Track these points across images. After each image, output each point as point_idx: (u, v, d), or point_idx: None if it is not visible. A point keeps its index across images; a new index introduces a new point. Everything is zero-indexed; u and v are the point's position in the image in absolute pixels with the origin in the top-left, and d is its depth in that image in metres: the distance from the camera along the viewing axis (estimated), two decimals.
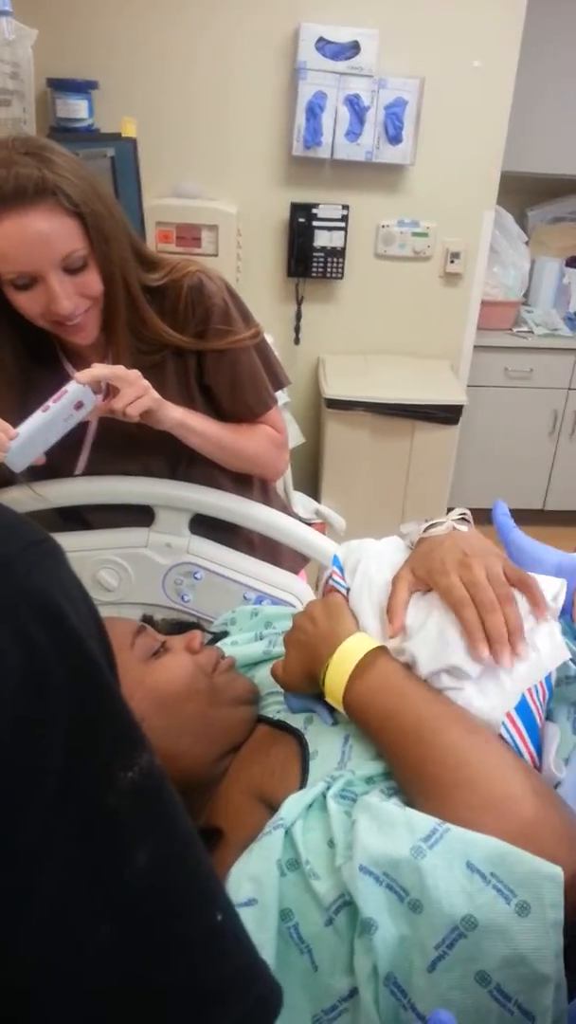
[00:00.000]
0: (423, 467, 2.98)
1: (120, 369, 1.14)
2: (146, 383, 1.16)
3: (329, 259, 2.94)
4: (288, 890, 0.64)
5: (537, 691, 0.76)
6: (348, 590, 0.89)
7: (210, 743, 0.83)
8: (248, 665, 1.00)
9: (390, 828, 0.62)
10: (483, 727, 0.71)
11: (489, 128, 2.85)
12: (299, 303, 3.03)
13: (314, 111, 2.69)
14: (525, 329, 3.32)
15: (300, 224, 2.87)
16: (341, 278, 2.99)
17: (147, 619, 1.04)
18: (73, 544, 1.37)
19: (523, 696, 0.74)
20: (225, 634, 1.09)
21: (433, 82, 2.73)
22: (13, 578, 0.41)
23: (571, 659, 0.81)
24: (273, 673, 0.86)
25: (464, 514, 0.87)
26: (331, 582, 0.92)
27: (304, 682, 0.82)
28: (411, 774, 0.70)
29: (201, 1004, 0.44)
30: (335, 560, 0.94)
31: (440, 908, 0.57)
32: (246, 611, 1.13)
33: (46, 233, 1.04)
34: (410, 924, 0.58)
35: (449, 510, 0.89)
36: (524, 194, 3.44)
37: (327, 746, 0.78)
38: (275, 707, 0.89)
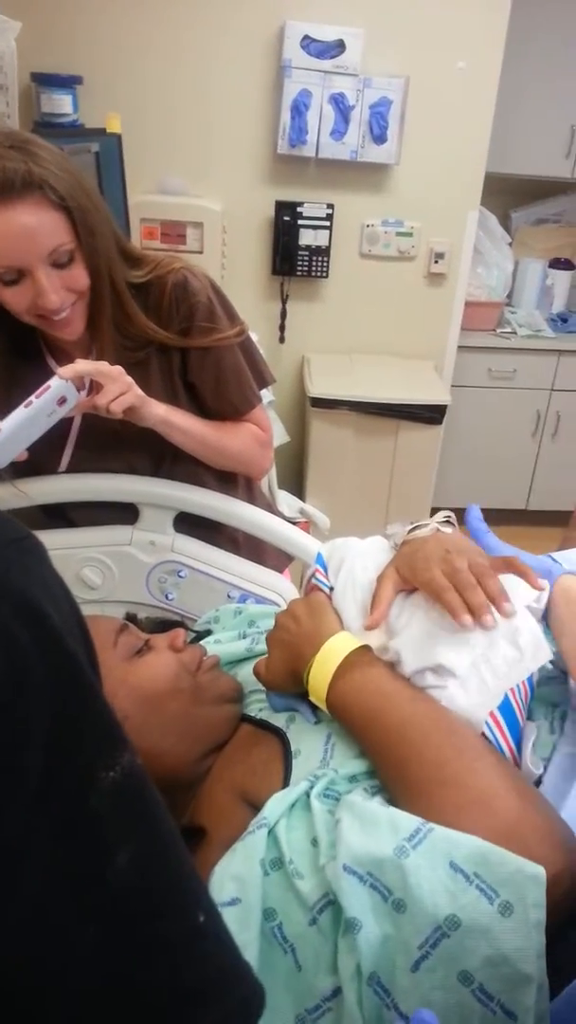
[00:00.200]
0: (407, 466, 2.99)
1: (103, 365, 1.14)
2: (129, 379, 1.16)
3: (314, 258, 2.94)
4: (271, 890, 0.64)
5: (519, 691, 0.76)
6: (331, 589, 0.89)
7: (194, 742, 0.83)
8: (231, 663, 0.99)
9: (373, 827, 0.62)
10: (466, 726, 0.72)
11: (473, 129, 2.87)
12: (284, 301, 3.03)
13: (299, 109, 2.69)
14: (508, 330, 3.34)
15: (285, 222, 2.87)
16: (326, 277, 2.99)
17: (131, 617, 1.04)
18: (57, 542, 1.36)
19: (506, 695, 0.74)
20: (209, 632, 1.08)
21: (418, 82, 2.73)
22: None
23: (550, 660, 0.81)
24: (256, 672, 0.86)
25: (448, 516, 0.88)
26: (314, 580, 0.92)
27: (287, 681, 0.82)
28: (394, 773, 0.70)
29: (183, 1004, 0.44)
30: (318, 558, 0.94)
31: (423, 908, 0.57)
32: (230, 609, 1.12)
33: (33, 227, 1.04)
34: (393, 924, 0.58)
35: (433, 510, 0.89)
36: (508, 195, 3.46)
37: (309, 745, 0.78)
38: (257, 705, 0.89)
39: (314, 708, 0.81)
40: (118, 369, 1.15)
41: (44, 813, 0.39)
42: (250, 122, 2.78)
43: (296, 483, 3.15)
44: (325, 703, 0.77)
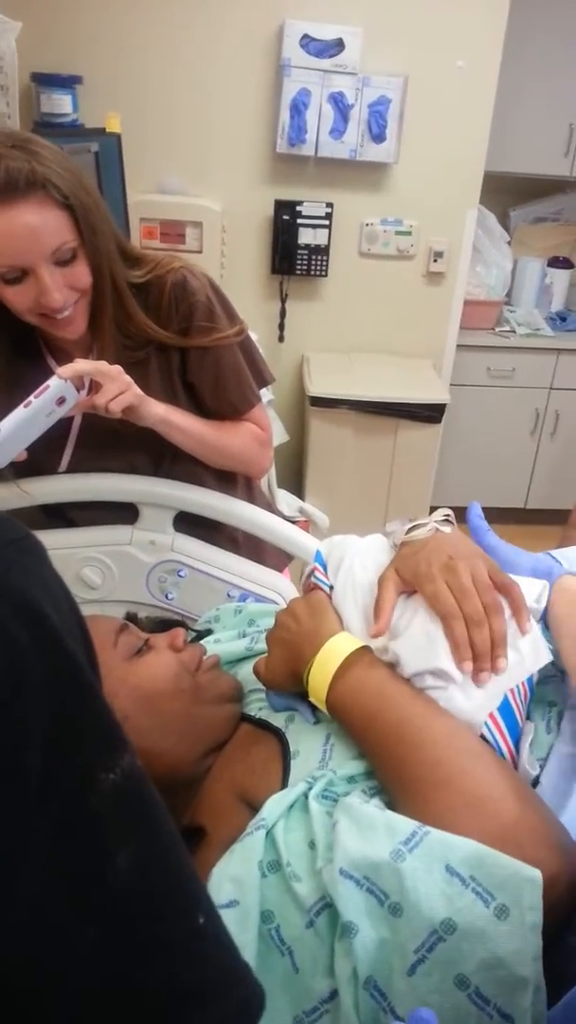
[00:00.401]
0: (406, 465, 2.99)
1: (102, 364, 1.14)
2: (128, 379, 1.16)
3: (313, 257, 2.94)
4: (269, 892, 0.64)
5: (519, 692, 0.76)
6: (331, 588, 0.89)
7: (194, 741, 0.83)
8: (231, 662, 0.99)
9: (370, 831, 0.62)
10: (465, 728, 0.72)
11: (472, 127, 2.87)
12: (283, 301, 3.03)
13: (298, 108, 2.69)
14: (507, 329, 3.34)
15: (284, 221, 2.87)
16: (325, 276, 2.99)
17: (131, 617, 1.04)
18: (57, 542, 1.37)
19: (505, 697, 0.74)
20: (209, 632, 1.08)
21: (417, 81, 2.73)
22: None
23: (550, 661, 0.82)
24: (255, 671, 0.86)
25: (447, 515, 0.88)
26: (313, 579, 0.91)
27: (287, 680, 0.82)
28: (393, 774, 0.70)
29: (182, 1005, 0.44)
30: (317, 556, 0.94)
31: (419, 911, 0.57)
32: (230, 609, 1.13)
33: (36, 226, 1.04)
34: (390, 927, 0.58)
35: (432, 509, 0.89)
36: (506, 194, 3.46)
37: (308, 745, 0.78)
38: (257, 705, 0.89)
39: (313, 708, 0.81)
40: (117, 368, 1.15)
41: (43, 814, 0.39)
42: (249, 121, 2.78)
43: (295, 482, 3.15)
44: (324, 703, 0.77)
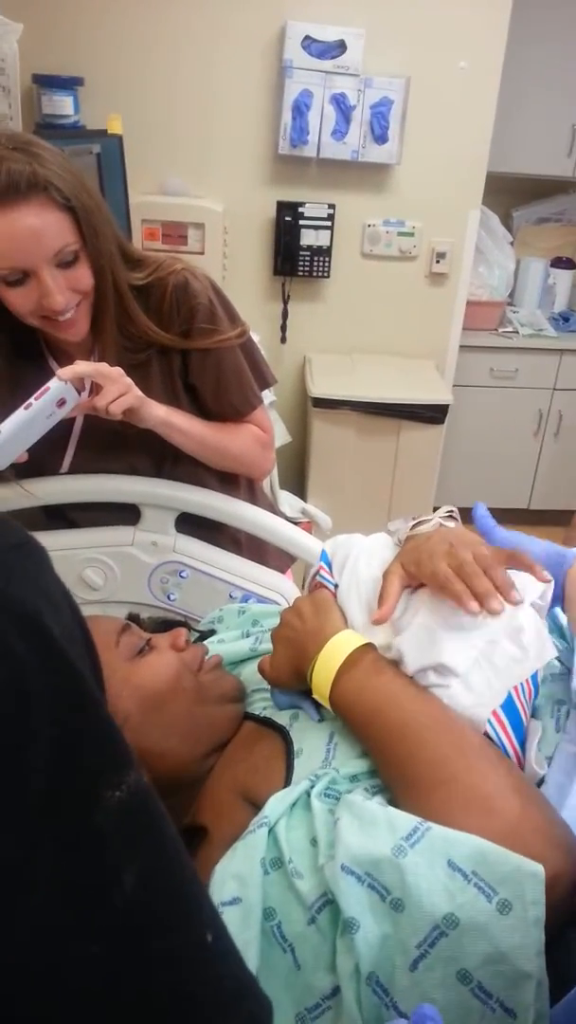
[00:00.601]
0: (409, 466, 2.99)
1: (103, 366, 1.14)
2: (129, 381, 1.16)
3: (315, 258, 2.94)
4: (271, 889, 0.64)
5: (523, 689, 0.76)
6: (336, 586, 0.89)
7: (196, 741, 0.83)
8: (235, 663, 0.99)
9: (372, 827, 0.62)
10: (468, 725, 0.72)
11: (474, 128, 2.86)
12: (285, 302, 3.03)
13: (300, 109, 2.69)
14: (510, 329, 3.34)
15: (286, 223, 2.87)
16: (327, 277, 2.99)
17: (133, 618, 1.04)
18: (58, 543, 1.37)
19: (509, 694, 0.74)
20: (213, 632, 1.08)
21: (419, 82, 2.73)
22: None
23: (556, 657, 0.82)
24: (260, 669, 0.86)
25: (451, 511, 0.88)
26: (319, 578, 0.92)
27: (291, 678, 0.82)
28: (396, 771, 0.70)
29: (190, 1021, 0.44)
30: (323, 555, 0.94)
31: (421, 907, 0.57)
32: (233, 609, 1.13)
33: (38, 228, 1.04)
34: (392, 923, 0.58)
35: (435, 509, 0.89)
36: (509, 194, 3.46)
37: (312, 744, 0.78)
38: (261, 704, 0.89)
39: (318, 706, 0.81)
40: (118, 370, 1.15)
41: (47, 833, 0.39)
42: (251, 122, 2.78)
43: (298, 483, 3.15)
44: (328, 700, 0.77)
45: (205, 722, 0.84)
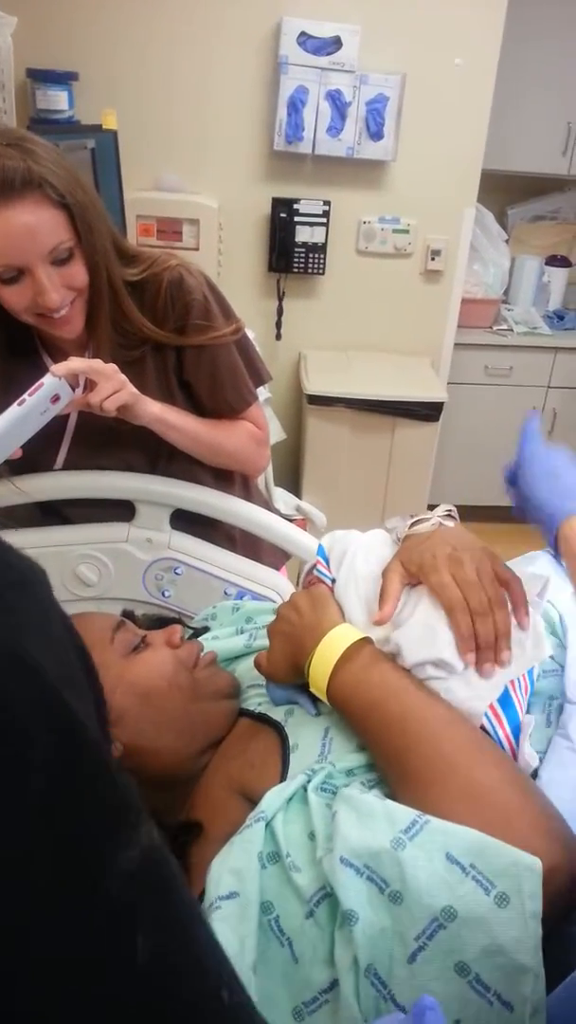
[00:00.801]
0: (404, 464, 2.99)
1: (97, 363, 1.14)
2: (123, 377, 1.16)
3: (310, 255, 2.93)
4: (269, 883, 0.64)
5: (519, 684, 0.77)
6: (333, 581, 0.89)
7: (192, 738, 0.83)
8: (230, 659, 1.00)
9: (370, 819, 0.62)
10: (465, 719, 0.72)
11: (470, 125, 2.86)
12: (280, 299, 3.03)
13: (296, 106, 2.69)
14: (505, 327, 3.34)
15: (281, 219, 2.87)
16: (322, 274, 2.99)
17: (127, 614, 1.04)
18: (53, 539, 1.37)
19: (506, 689, 0.75)
20: (206, 629, 1.08)
21: (414, 79, 2.73)
22: None
23: (550, 655, 0.82)
24: (257, 664, 0.86)
25: (450, 510, 0.88)
26: (316, 572, 0.92)
27: (288, 673, 0.82)
28: (393, 764, 0.70)
29: None
30: (320, 550, 0.94)
31: (420, 899, 0.57)
32: (227, 606, 1.13)
33: (33, 225, 1.04)
34: (390, 915, 0.58)
35: (431, 507, 0.89)
36: (504, 192, 3.46)
37: (307, 739, 0.78)
38: (256, 700, 0.89)
39: (314, 700, 0.82)
40: (112, 367, 1.15)
41: (56, 909, 0.35)
42: (246, 119, 2.78)
43: (292, 480, 3.15)
44: (326, 694, 0.77)
45: (200, 718, 0.84)
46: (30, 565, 0.41)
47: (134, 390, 1.17)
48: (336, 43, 2.64)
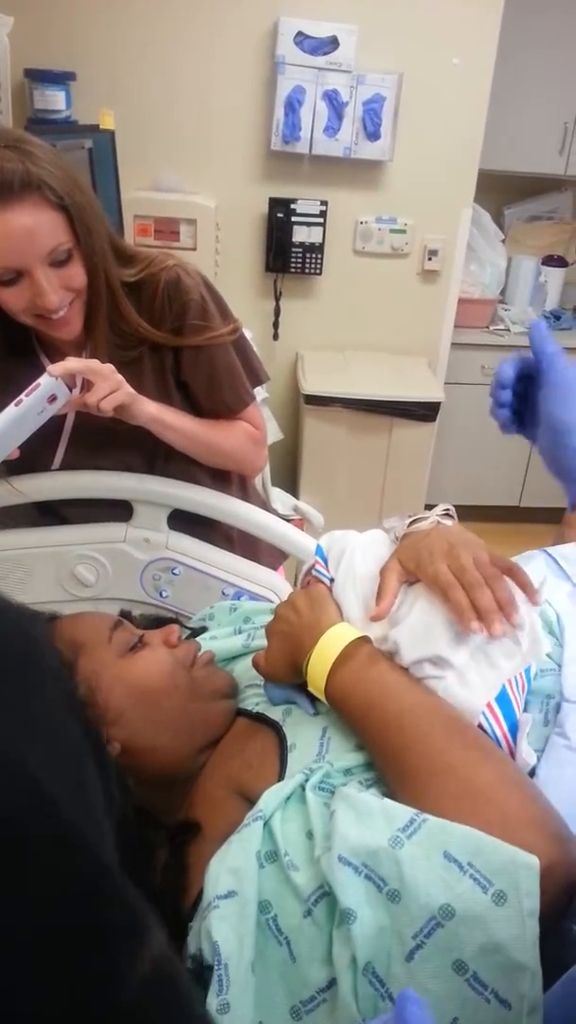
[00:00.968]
0: (401, 464, 2.99)
1: (94, 363, 1.14)
2: (120, 377, 1.16)
3: (308, 255, 2.93)
4: (267, 882, 0.64)
5: (517, 683, 0.77)
6: (331, 581, 0.90)
7: (189, 737, 0.83)
8: (228, 659, 1.00)
9: (368, 818, 0.62)
10: (463, 717, 0.72)
11: (467, 125, 2.87)
12: (277, 299, 3.03)
13: (293, 106, 2.69)
14: (502, 327, 3.34)
15: (279, 219, 2.87)
16: (319, 274, 2.99)
17: (125, 615, 1.04)
18: (51, 539, 1.37)
19: (503, 687, 0.75)
20: (204, 629, 1.08)
21: (411, 78, 2.73)
22: None
23: (547, 654, 0.82)
24: (255, 663, 0.86)
25: (448, 509, 0.88)
26: (314, 572, 0.92)
27: (287, 672, 0.82)
28: (391, 763, 0.70)
29: None
30: (318, 550, 0.94)
31: (418, 898, 0.57)
32: (225, 606, 1.13)
33: (32, 227, 1.04)
34: (388, 914, 0.58)
35: (428, 507, 0.90)
36: (501, 192, 3.46)
37: (305, 739, 0.78)
38: (254, 699, 0.89)
39: (313, 699, 0.82)
40: (109, 367, 1.15)
41: None
42: (244, 118, 2.78)
43: (290, 481, 3.15)
44: (324, 693, 0.77)
45: (198, 718, 0.84)
46: (22, 631, 0.37)
47: (131, 390, 1.17)
48: (333, 43, 2.65)
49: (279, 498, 2.78)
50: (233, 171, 2.85)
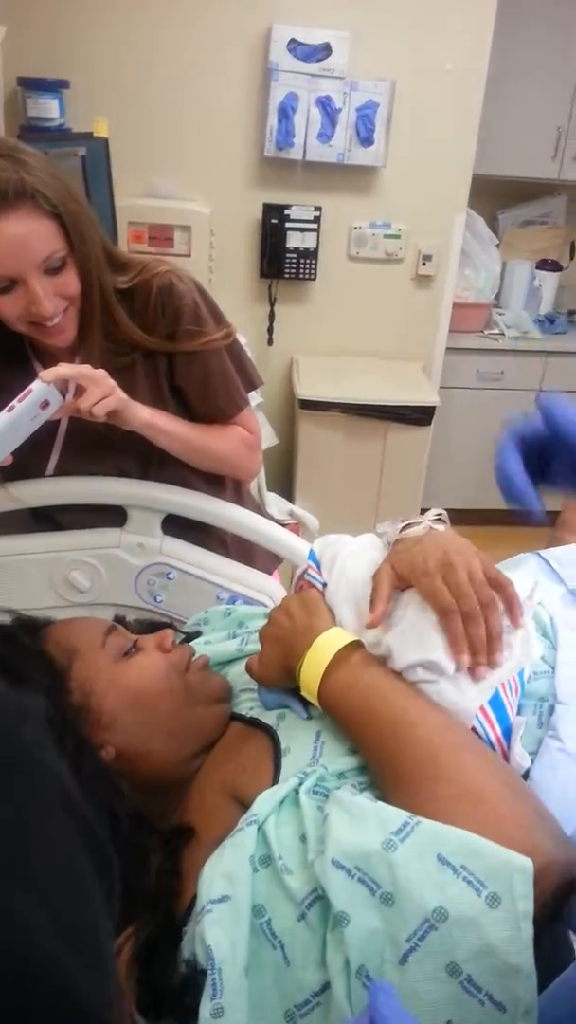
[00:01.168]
0: (396, 468, 3.00)
1: (86, 368, 1.14)
2: (112, 383, 1.16)
3: (302, 260, 2.94)
4: (260, 886, 0.64)
5: (510, 686, 0.77)
6: (324, 585, 0.90)
7: (184, 742, 0.83)
8: (222, 663, 1.00)
9: (362, 821, 0.62)
10: (456, 721, 0.72)
11: (460, 131, 2.88)
12: (272, 304, 3.03)
13: (286, 112, 2.70)
14: (496, 331, 3.35)
15: (273, 225, 2.87)
16: (314, 279, 2.99)
17: (119, 620, 1.04)
18: (44, 545, 1.37)
19: (496, 690, 0.75)
20: (198, 634, 1.08)
21: (404, 85, 2.74)
22: None
23: (540, 656, 0.82)
24: (248, 668, 0.86)
25: (440, 514, 0.88)
26: (307, 577, 0.92)
27: (280, 676, 0.82)
28: (385, 767, 0.70)
29: None
30: (311, 555, 0.94)
31: (411, 901, 0.57)
32: (219, 611, 1.13)
33: (26, 236, 1.04)
34: (382, 917, 0.58)
35: (424, 511, 0.90)
36: (495, 197, 3.47)
37: (299, 742, 0.78)
38: (248, 704, 0.89)
39: (305, 703, 0.82)
40: (101, 372, 1.15)
41: None
42: (237, 125, 2.79)
43: (285, 485, 3.15)
44: (317, 697, 0.77)
45: (192, 722, 0.84)
46: (9, 724, 0.35)
47: (123, 395, 1.17)
48: (326, 50, 2.66)
49: (274, 503, 2.79)
50: (227, 177, 2.86)
